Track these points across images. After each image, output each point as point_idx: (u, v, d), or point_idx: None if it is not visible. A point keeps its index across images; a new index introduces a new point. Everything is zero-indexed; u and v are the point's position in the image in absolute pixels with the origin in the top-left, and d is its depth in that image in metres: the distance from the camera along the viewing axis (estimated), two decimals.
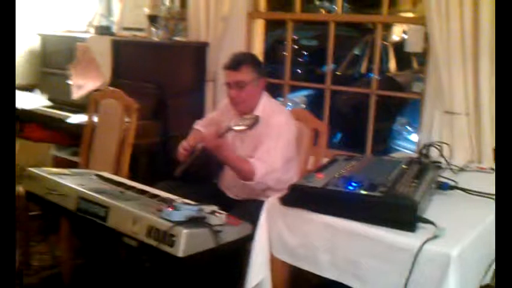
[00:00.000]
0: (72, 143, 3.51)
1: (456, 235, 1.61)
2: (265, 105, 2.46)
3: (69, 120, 3.34)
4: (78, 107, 3.49)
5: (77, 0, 4.05)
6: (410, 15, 6.11)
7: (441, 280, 1.51)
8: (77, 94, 3.59)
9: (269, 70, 3.44)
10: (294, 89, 5.02)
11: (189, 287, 1.93)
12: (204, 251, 1.75)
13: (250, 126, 2.20)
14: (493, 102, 2.51)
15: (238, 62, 2.42)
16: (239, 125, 2.22)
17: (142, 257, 2.00)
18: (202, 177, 2.60)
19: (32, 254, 2.98)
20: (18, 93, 3.47)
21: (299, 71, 6.35)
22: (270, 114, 2.41)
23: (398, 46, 6.03)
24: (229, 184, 2.53)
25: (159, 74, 3.36)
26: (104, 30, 3.79)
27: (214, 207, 1.88)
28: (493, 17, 2.42)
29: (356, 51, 6.36)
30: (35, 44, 3.96)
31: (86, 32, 3.93)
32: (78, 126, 3.20)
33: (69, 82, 3.65)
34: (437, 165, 2.17)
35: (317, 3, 7.91)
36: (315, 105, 4.97)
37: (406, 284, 1.56)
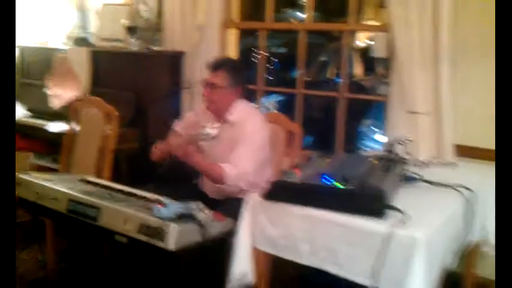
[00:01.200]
0: (52, 150, 3.59)
1: (421, 221, 1.79)
2: (240, 110, 2.58)
3: (48, 129, 3.41)
4: (56, 116, 3.57)
5: (55, 13, 4.12)
6: (374, 23, 6.36)
7: (409, 261, 1.68)
8: (55, 103, 3.67)
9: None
10: (265, 94, 5.17)
11: (178, 278, 2.05)
12: (192, 245, 1.88)
13: (214, 136, 2.33)
14: (452, 103, 2.72)
15: (218, 65, 2.57)
16: (203, 136, 2.34)
17: (130, 254, 2.12)
18: (181, 178, 2.72)
19: (16, 261, 3.04)
20: None
21: (269, 77, 6.52)
22: (244, 119, 2.54)
23: (364, 52, 6.27)
24: (208, 185, 2.66)
25: (137, 83, 3.47)
26: (82, 42, 3.88)
27: (201, 205, 2.01)
28: (451, 24, 2.63)
29: (323, 58, 6.56)
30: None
31: (64, 43, 4.01)
32: (58, 135, 3.29)
33: (48, 92, 3.72)
34: (403, 160, 2.35)
35: (284, 11, 8.11)
36: (285, 110, 5.14)
37: (378, 266, 1.73)
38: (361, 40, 6.83)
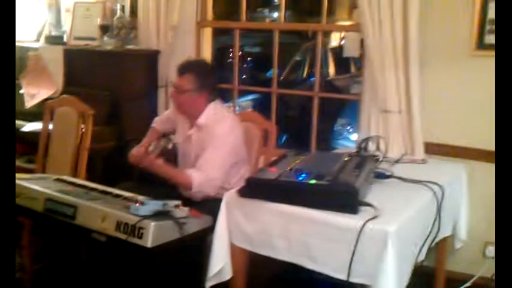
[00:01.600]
0: (27, 151, 3.55)
1: (392, 215, 1.86)
2: (210, 114, 2.56)
3: (23, 129, 3.38)
4: (30, 116, 3.53)
5: (26, 11, 4.07)
6: (347, 23, 6.46)
7: (381, 253, 1.74)
8: (30, 103, 3.63)
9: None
10: (240, 94, 5.21)
11: (156, 275, 2.07)
12: (170, 242, 1.91)
13: (162, 150, 2.46)
14: (422, 101, 2.80)
15: (184, 68, 2.56)
16: (154, 149, 2.47)
17: (108, 252, 2.13)
18: (160, 178, 2.74)
19: None
20: None
21: (244, 76, 6.57)
22: (213, 123, 2.52)
23: (337, 52, 6.36)
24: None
25: (113, 81, 3.46)
26: (55, 40, 3.84)
27: (178, 202, 2.04)
28: (419, 23, 2.71)
29: (297, 57, 6.64)
30: None
31: (35, 41, 3.97)
32: (33, 134, 3.26)
33: (21, 91, 3.68)
34: (375, 158, 2.42)
35: (259, 11, 8.17)
36: (260, 109, 5.19)
37: (351, 259, 1.79)
38: (335, 40, 6.94)
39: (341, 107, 5.41)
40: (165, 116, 2.94)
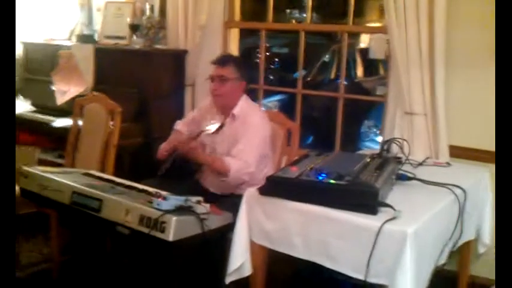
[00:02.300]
0: (57, 146, 3.66)
1: (412, 216, 1.85)
2: (244, 105, 2.68)
3: (54, 124, 3.48)
4: (60, 112, 3.63)
5: (59, 10, 4.19)
6: (377, 24, 6.42)
7: (399, 254, 1.74)
8: (60, 99, 3.73)
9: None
10: (267, 94, 5.25)
11: (177, 269, 2.12)
12: (191, 236, 1.95)
13: (217, 130, 2.48)
14: (447, 104, 2.78)
15: (226, 59, 2.68)
16: (207, 129, 2.49)
17: (131, 246, 2.19)
18: (184, 174, 2.79)
19: (21, 252, 3.11)
20: None
21: (271, 77, 6.59)
22: (247, 114, 2.63)
23: (365, 53, 6.32)
24: (210, 180, 2.72)
25: (141, 80, 3.53)
26: (86, 39, 3.94)
27: (200, 198, 2.08)
28: (445, 27, 2.69)
29: (325, 59, 6.64)
30: (18, 51, 4.08)
31: (67, 40, 4.08)
32: (63, 130, 3.35)
33: (53, 88, 3.79)
34: (397, 159, 2.41)
35: (288, 12, 8.18)
36: (287, 109, 5.20)
37: (369, 260, 1.79)
38: (364, 42, 6.90)
39: (368, 109, 5.38)
40: (189, 117, 2.99)
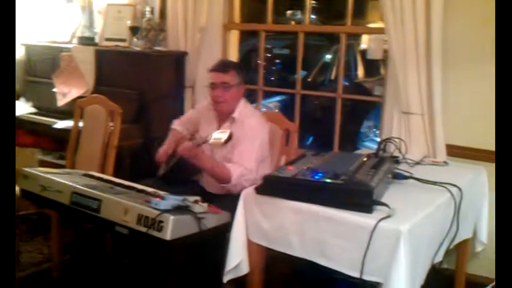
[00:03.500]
0: (58, 147, 3.69)
1: (406, 215, 1.87)
2: (242, 109, 2.70)
3: (55, 126, 3.51)
4: (61, 113, 3.67)
5: (60, 12, 4.22)
6: (379, 25, 6.42)
7: (393, 252, 1.76)
8: (62, 101, 3.76)
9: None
10: (268, 95, 5.28)
11: (175, 268, 2.14)
12: (188, 235, 1.97)
13: (225, 142, 2.25)
14: (444, 103, 2.80)
15: (227, 65, 2.70)
16: (215, 140, 2.27)
17: (130, 245, 2.21)
18: (183, 176, 2.81)
19: (21, 253, 3.14)
20: None
21: (272, 78, 6.62)
22: (245, 118, 2.65)
23: (366, 54, 6.33)
24: (209, 180, 2.74)
25: (141, 81, 3.56)
26: (87, 41, 3.98)
27: (197, 198, 2.10)
28: (442, 27, 2.71)
29: (326, 59, 6.65)
30: (20, 53, 4.11)
31: (69, 42, 4.11)
32: (64, 131, 3.38)
33: (54, 90, 3.82)
34: (394, 159, 2.43)
35: (289, 14, 8.20)
36: (287, 110, 5.22)
37: (364, 258, 1.81)
38: (365, 42, 6.92)
39: (368, 109, 5.40)
40: (186, 117, 3.01)
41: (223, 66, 2.69)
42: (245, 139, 2.56)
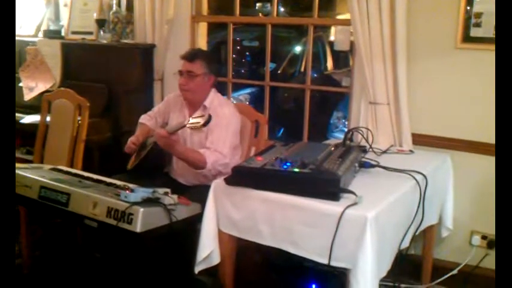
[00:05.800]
0: (25, 142, 3.64)
1: (373, 202, 1.91)
2: (214, 98, 2.72)
3: (22, 121, 3.46)
4: (28, 108, 3.62)
5: (25, 5, 4.14)
6: (347, 16, 6.47)
7: (360, 238, 1.81)
8: (28, 96, 3.71)
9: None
10: (238, 87, 5.29)
11: (147, 260, 2.15)
12: (159, 227, 1.98)
13: (204, 124, 2.22)
14: (410, 93, 2.85)
15: (194, 54, 2.70)
16: (193, 124, 2.24)
17: (100, 239, 2.20)
18: (153, 168, 2.81)
19: None
20: None
21: (242, 70, 6.63)
22: (217, 106, 2.68)
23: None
24: (181, 172, 2.75)
25: (109, 75, 3.54)
26: (53, 34, 3.92)
27: (167, 190, 2.11)
28: (406, 18, 2.76)
29: (296, 51, 6.69)
30: None
31: (34, 36, 4.04)
32: (31, 126, 3.34)
33: (20, 84, 3.76)
34: (361, 148, 2.48)
35: (259, 6, 8.21)
36: (258, 102, 5.26)
37: (332, 245, 1.85)
38: (334, 34, 6.97)
39: (337, 100, 5.47)
40: (154, 111, 3.00)
41: (190, 55, 2.70)
42: (218, 126, 2.58)
